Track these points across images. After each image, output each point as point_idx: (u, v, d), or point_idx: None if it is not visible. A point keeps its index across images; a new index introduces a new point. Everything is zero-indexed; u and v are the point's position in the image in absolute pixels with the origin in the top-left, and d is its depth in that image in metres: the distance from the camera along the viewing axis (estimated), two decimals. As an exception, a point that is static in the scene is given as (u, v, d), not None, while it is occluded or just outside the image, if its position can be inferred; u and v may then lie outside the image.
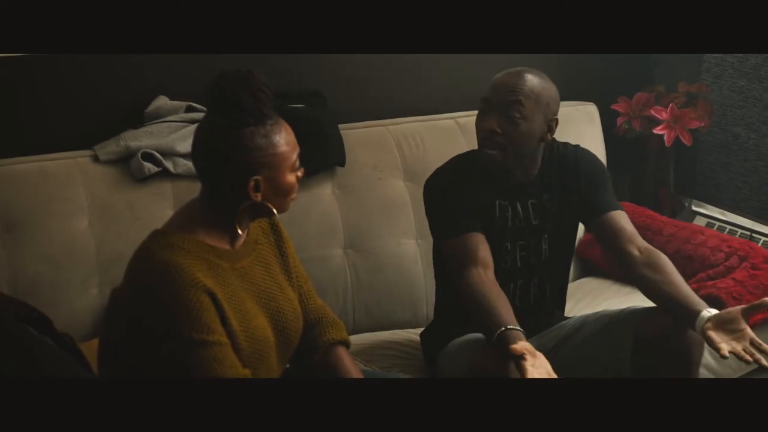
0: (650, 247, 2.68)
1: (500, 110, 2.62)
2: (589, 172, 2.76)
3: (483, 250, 2.62)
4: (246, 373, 2.13)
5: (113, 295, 2.25)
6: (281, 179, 2.18)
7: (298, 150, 2.20)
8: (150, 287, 2.11)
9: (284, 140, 2.16)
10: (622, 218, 2.73)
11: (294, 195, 2.22)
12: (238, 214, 2.20)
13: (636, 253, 2.65)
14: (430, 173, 3.35)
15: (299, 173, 2.22)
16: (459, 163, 2.77)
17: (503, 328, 2.42)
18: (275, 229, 2.37)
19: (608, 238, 2.72)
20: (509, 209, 2.72)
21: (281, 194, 2.20)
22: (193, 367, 2.09)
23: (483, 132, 2.65)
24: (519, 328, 2.43)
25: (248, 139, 2.13)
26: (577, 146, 2.82)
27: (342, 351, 2.39)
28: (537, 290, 2.78)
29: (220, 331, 2.11)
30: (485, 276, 2.58)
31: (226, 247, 2.21)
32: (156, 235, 2.18)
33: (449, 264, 2.67)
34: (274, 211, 2.20)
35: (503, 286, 2.67)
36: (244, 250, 2.25)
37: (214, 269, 2.16)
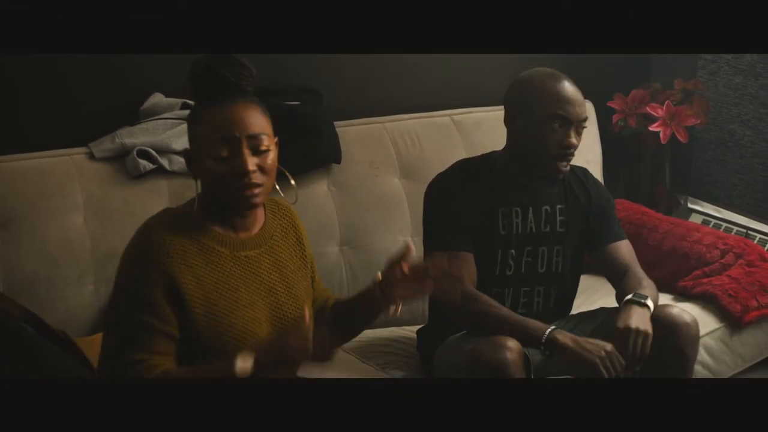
0: (637, 279, 2.72)
1: (578, 125, 2.65)
2: (598, 199, 2.81)
3: (470, 269, 2.64)
4: (165, 368, 2.10)
5: None
6: (200, 160, 2.15)
7: (233, 134, 2.12)
8: (125, 254, 2.15)
9: (217, 121, 2.12)
10: (620, 249, 2.78)
11: (245, 189, 2.14)
12: (204, 199, 2.19)
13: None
14: (425, 171, 3.36)
15: (238, 164, 2.12)
16: (463, 170, 2.77)
17: (549, 330, 2.50)
18: (295, 227, 2.36)
19: (606, 268, 2.81)
20: (519, 214, 2.72)
21: (208, 178, 2.16)
22: (121, 338, 2.09)
23: (566, 148, 2.65)
24: (554, 326, 2.54)
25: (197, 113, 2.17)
26: (585, 169, 2.84)
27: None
28: (542, 298, 2.78)
29: (161, 316, 2.09)
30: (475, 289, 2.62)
31: (231, 234, 2.20)
32: (164, 210, 2.23)
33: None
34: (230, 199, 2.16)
35: (504, 291, 2.68)
36: (252, 240, 2.23)
37: (207, 253, 2.16)
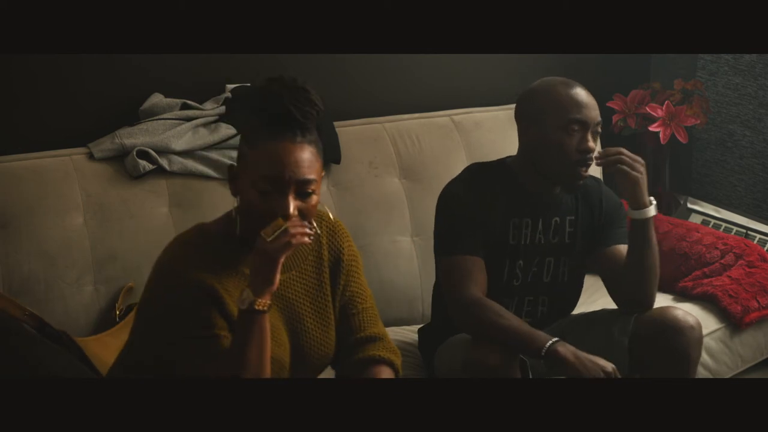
0: None
1: (594, 129, 2.65)
2: (609, 208, 2.80)
3: (480, 274, 2.63)
4: None
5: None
6: (244, 186, 2.12)
7: (283, 176, 2.08)
8: (156, 279, 2.14)
9: (270, 156, 2.09)
10: (621, 252, 2.77)
11: (274, 230, 2.08)
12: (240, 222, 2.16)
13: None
14: (425, 171, 3.34)
15: (280, 206, 2.08)
16: (477, 177, 2.74)
17: (550, 342, 2.47)
18: (334, 249, 2.32)
19: (605, 267, 2.79)
20: (529, 225, 2.71)
21: (246, 206, 2.12)
22: (179, 360, 2.09)
23: (586, 152, 2.63)
24: (557, 338, 2.50)
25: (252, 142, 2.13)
26: (598, 180, 2.84)
27: (385, 371, 2.31)
28: (546, 307, 2.78)
29: (219, 326, 2.10)
30: (484, 296, 2.60)
31: None
32: (197, 228, 2.20)
33: (444, 282, 2.68)
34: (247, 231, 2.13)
35: (509, 301, 2.68)
36: (281, 265, 2.18)
37: (240, 277, 2.14)
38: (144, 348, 2.17)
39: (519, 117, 2.72)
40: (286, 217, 2.07)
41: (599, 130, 2.67)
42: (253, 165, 2.10)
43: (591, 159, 2.64)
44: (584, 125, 2.63)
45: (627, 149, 2.66)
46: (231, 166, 2.17)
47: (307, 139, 2.12)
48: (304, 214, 2.11)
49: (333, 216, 2.32)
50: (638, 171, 2.62)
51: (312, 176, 2.10)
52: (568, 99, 2.63)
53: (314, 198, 2.12)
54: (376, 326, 2.35)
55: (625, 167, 2.61)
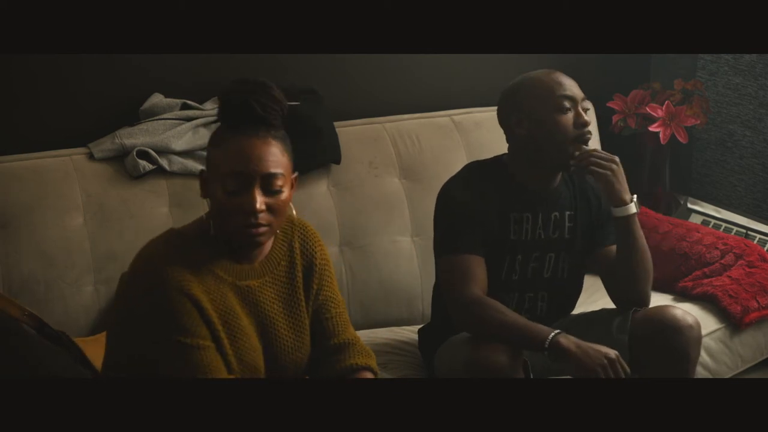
0: None
1: (582, 105, 2.68)
2: (606, 209, 2.79)
3: (480, 272, 2.63)
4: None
5: (121, 279, 2.26)
6: (212, 187, 2.11)
7: (247, 170, 2.07)
8: (134, 280, 2.13)
9: (234, 153, 2.08)
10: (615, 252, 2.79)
11: (249, 228, 2.09)
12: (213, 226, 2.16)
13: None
14: (425, 171, 3.34)
15: (250, 204, 2.08)
16: (476, 174, 2.75)
17: (552, 334, 2.47)
18: (307, 253, 2.30)
19: (603, 267, 2.80)
20: (529, 220, 2.71)
21: (216, 207, 2.12)
22: (169, 366, 2.09)
23: (583, 126, 2.66)
24: (559, 330, 2.50)
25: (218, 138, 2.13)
26: None
27: (367, 376, 2.30)
28: (545, 303, 2.78)
29: (201, 335, 2.09)
30: (485, 295, 2.60)
31: (229, 261, 2.17)
32: (171, 231, 2.18)
33: (444, 281, 2.68)
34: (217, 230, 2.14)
35: (509, 297, 2.68)
36: (253, 270, 2.20)
37: (217, 281, 2.14)
38: (121, 347, 2.17)
39: (507, 114, 2.72)
40: (252, 213, 2.06)
41: (587, 107, 2.69)
42: (218, 163, 2.09)
43: (589, 133, 2.66)
44: (573, 101, 2.66)
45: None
46: (201, 170, 2.16)
47: (272, 134, 2.11)
48: (273, 210, 2.10)
49: (303, 220, 2.32)
50: (607, 168, 2.64)
51: (278, 170, 2.09)
52: (551, 81, 2.67)
53: (284, 194, 2.11)
54: (348, 330, 2.34)
55: (593, 167, 2.63)
